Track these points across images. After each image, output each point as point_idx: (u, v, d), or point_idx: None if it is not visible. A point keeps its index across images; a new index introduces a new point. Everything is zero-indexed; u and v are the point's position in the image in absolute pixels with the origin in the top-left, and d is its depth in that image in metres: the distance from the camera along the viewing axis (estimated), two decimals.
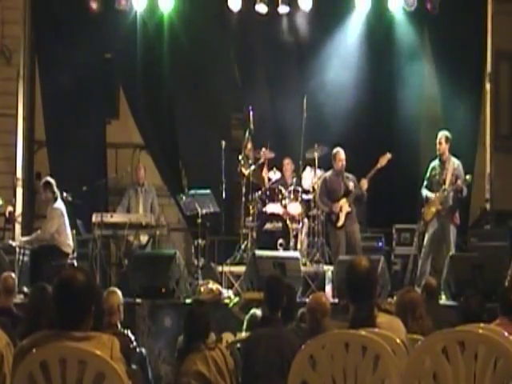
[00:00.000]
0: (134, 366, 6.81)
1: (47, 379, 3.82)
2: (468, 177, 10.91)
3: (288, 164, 12.23)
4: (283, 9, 12.67)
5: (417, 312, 6.07)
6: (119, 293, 7.48)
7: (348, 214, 11.33)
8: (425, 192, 11.16)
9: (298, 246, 11.67)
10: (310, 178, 11.96)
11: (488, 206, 12.55)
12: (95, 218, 11.36)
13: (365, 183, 11.30)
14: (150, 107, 13.57)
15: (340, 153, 11.50)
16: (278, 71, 13.53)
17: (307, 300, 7.28)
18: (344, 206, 11.36)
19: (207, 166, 12.88)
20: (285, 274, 10.07)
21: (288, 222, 11.59)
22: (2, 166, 13.01)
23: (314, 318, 6.86)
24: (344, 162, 11.46)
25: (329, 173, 11.64)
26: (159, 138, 13.72)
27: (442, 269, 10.60)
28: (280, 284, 6.76)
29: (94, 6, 12.67)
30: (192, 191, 11.87)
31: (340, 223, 11.35)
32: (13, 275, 8.44)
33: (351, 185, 11.38)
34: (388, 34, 13.00)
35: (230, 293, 10.66)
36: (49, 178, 11.30)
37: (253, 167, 12.05)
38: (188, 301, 10.17)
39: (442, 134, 11.11)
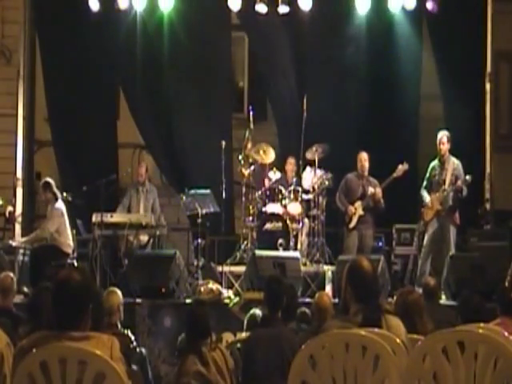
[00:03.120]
0: (134, 366, 6.81)
1: (47, 379, 3.82)
2: (468, 177, 10.91)
3: (291, 163, 12.19)
4: (283, 9, 12.65)
5: (418, 313, 6.06)
6: (119, 293, 7.48)
7: (360, 217, 11.42)
8: (424, 194, 11.17)
9: (298, 246, 11.66)
10: (310, 178, 11.95)
11: (488, 205, 12.54)
12: (95, 217, 11.35)
13: (378, 192, 11.35)
14: (149, 107, 13.57)
15: (360, 155, 11.61)
16: (278, 71, 13.52)
17: (309, 300, 7.30)
18: (358, 208, 11.47)
19: (207, 166, 12.88)
20: (285, 274, 10.08)
21: (288, 221, 11.58)
22: (2, 166, 12.99)
23: (318, 318, 6.88)
24: (363, 164, 11.53)
25: (351, 174, 11.74)
26: (159, 137, 13.71)
27: (442, 269, 10.60)
28: (280, 284, 6.76)
29: (93, 6, 12.67)
30: (192, 191, 11.86)
31: (352, 225, 11.48)
32: (11, 275, 8.38)
33: (370, 190, 11.44)
34: (388, 33, 12.99)
35: (230, 293, 10.66)
36: (48, 179, 11.30)
37: (253, 167, 12.05)
38: (188, 301, 10.18)
39: (444, 134, 11.10)
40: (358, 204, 11.51)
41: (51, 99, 13.48)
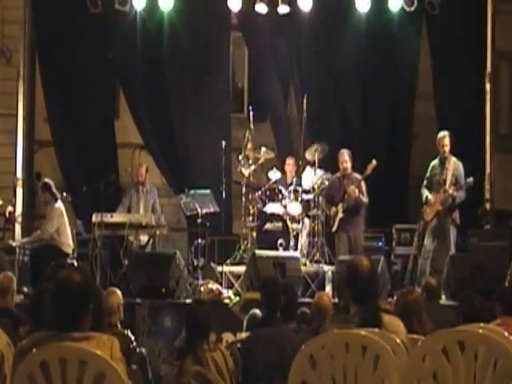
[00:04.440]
0: (133, 366, 6.81)
1: (47, 379, 3.82)
2: (470, 179, 10.86)
3: (291, 163, 12.18)
4: (283, 9, 12.65)
5: (418, 313, 6.06)
6: (119, 293, 7.47)
7: (341, 219, 11.32)
8: (425, 192, 11.15)
9: (298, 246, 11.66)
10: (310, 178, 11.95)
11: (488, 205, 12.54)
12: (95, 218, 11.35)
13: (354, 191, 11.25)
14: (149, 107, 13.57)
15: (342, 154, 11.52)
16: (278, 70, 13.52)
17: (309, 300, 7.29)
18: (338, 211, 11.36)
19: (207, 166, 12.88)
20: (285, 274, 10.09)
21: (288, 221, 11.58)
22: (2, 166, 13.01)
23: (318, 318, 6.88)
24: (346, 164, 11.45)
25: (335, 175, 11.68)
26: (159, 137, 13.71)
27: (442, 269, 10.60)
28: (276, 285, 6.76)
29: (93, 6, 12.66)
30: (192, 191, 11.86)
31: (334, 228, 11.42)
32: (10, 275, 8.38)
33: (351, 188, 11.31)
34: (388, 33, 12.98)
35: (230, 293, 10.66)
36: (47, 180, 11.32)
37: (253, 167, 12.04)
38: (188, 301, 10.18)
39: (445, 135, 11.04)
40: (339, 206, 11.38)
41: (50, 99, 13.48)
